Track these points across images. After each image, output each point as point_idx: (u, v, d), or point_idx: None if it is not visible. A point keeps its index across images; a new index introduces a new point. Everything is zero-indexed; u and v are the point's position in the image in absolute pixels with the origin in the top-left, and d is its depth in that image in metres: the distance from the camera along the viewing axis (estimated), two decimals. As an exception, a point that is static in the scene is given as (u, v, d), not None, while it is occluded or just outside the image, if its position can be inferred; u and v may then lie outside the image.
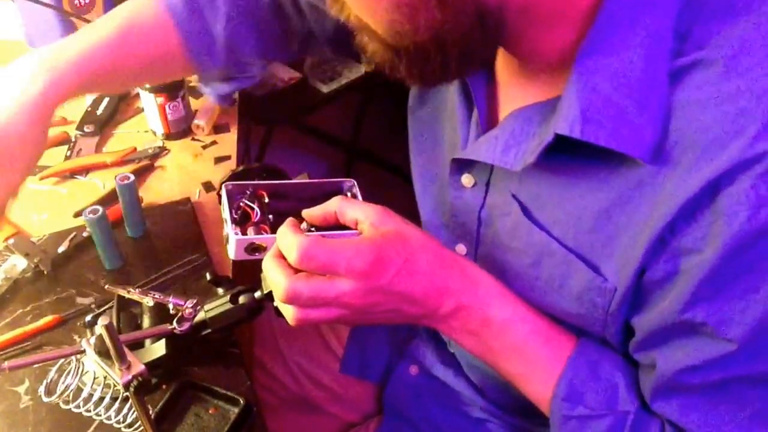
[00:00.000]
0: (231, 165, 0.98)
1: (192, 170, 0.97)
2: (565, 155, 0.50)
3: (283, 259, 0.53)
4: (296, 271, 0.52)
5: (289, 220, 0.55)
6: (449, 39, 0.48)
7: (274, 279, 0.53)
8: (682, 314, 0.48)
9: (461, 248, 0.66)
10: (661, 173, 0.46)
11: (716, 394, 0.50)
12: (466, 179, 0.62)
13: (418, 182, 0.74)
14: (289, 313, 0.54)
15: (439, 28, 0.47)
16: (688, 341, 0.49)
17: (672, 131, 0.46)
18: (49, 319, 0.72)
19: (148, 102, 0.98)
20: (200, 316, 0.62)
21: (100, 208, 0.74)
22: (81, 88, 0.69)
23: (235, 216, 0.64)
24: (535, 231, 0.56)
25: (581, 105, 0.47)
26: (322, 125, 1.99)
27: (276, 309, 0.57)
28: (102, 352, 0.53)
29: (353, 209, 0.57)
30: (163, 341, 0.64)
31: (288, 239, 0.52)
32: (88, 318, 0.71)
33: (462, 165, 0.61)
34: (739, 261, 0.44)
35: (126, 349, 0.52)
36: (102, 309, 0.74)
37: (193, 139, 1.02)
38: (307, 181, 0.72)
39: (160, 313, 0.67)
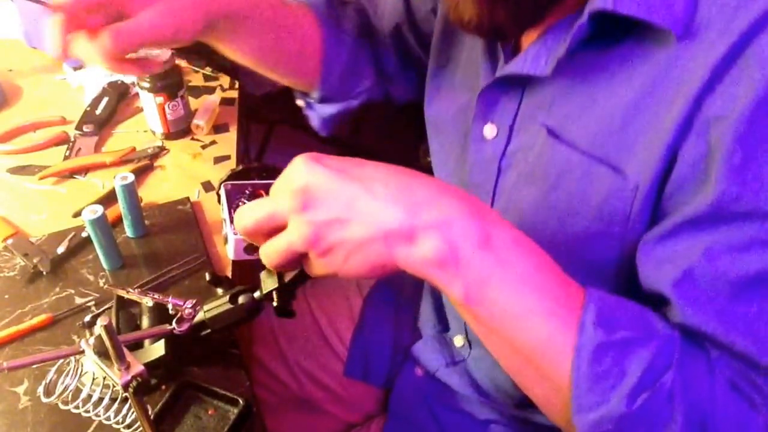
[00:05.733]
0: (230, 165, 0.98)
1: (191, 170, 0.96)
2: (595, 49, 0.52)
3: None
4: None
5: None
6: None
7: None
8: (722, 195, 0.45)
9: None
10: (689, 50, 0.48)
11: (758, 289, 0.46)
12: (489, 129, 0.63)
13: (435, 156, 0.75)
14: (262, 253, 0.48)
15: None
16: (734, 224, 0.46)
17: (702, 2, 0.47)
18: (42, 318, 0.72)
19: (148, 101, 0.97)
20: (199, 316, 0.62)
21: (100, 208, 0.74)
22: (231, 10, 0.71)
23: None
24: (557, 150, 0.56)
25: None
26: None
27: (276, 309, 0.56)
28: (101, 353, 0.53)
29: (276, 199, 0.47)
30: (162, 342, 0.64)
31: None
32: (87, 318, 0.71)
33: (486, 111, 0.62)
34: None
35: (125, 350, 0.52)
36: (101, 309, 0.74)
37: (193, 138, 1.02)
38: None
39: (160, 314, 0.67)
